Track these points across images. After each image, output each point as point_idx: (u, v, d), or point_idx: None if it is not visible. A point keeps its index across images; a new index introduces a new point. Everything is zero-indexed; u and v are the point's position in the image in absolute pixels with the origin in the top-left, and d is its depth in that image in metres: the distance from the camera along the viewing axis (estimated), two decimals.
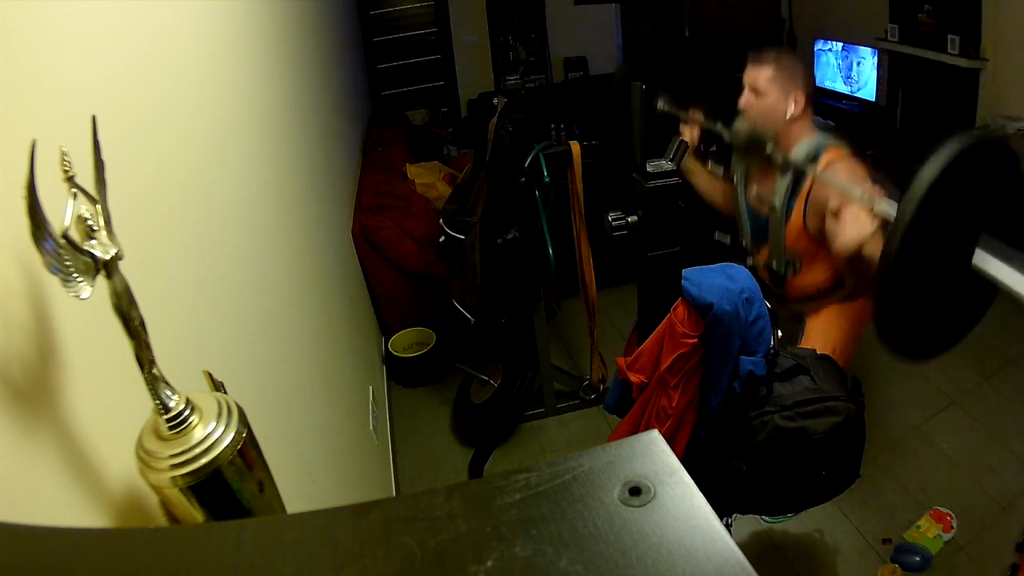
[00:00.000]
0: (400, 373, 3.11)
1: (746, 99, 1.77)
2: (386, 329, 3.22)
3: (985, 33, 3.80)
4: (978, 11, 3.79)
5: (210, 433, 0.52)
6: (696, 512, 0.32)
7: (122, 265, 0.49)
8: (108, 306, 0.49)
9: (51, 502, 0.51)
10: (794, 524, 2.20)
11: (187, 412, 0.52)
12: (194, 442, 0.51)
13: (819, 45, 5.02)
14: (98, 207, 0.48)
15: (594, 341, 2.70)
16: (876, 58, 4.56)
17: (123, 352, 0.50)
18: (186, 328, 0.87)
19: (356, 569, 0.32)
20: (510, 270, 2.50)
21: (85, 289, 0.46)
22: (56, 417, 0.53)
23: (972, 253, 1.07)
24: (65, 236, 0.45)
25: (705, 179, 1.99)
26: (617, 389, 1.72)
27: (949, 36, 3.95)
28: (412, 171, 3.78)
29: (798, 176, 1.65)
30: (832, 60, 4.95)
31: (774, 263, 1.69)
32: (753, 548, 2.18)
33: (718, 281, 1.46)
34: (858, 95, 4.76)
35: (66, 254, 0.45)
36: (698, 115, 1.82)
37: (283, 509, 0.62)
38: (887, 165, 4.57)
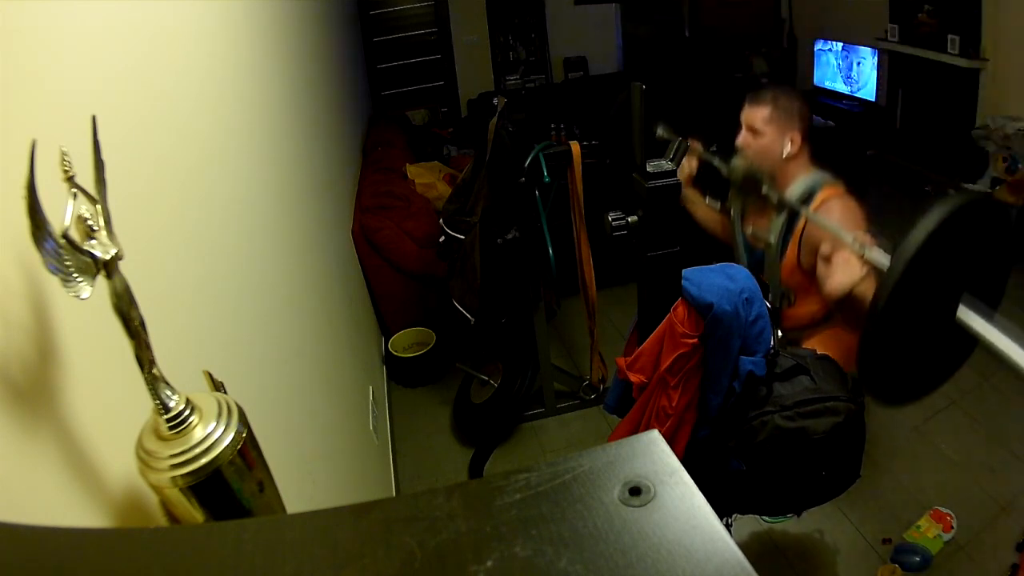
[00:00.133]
0: (400, 373, 3.11)
1: (743, 138, 1.78)
2: (386, 329, 3.22)
3: (985, 33, 3.80)
4: (978, 11, 3.79)
5: (210, 433, 0.52)
6: (696, 512, 0.32)
7: (122, 265, 0.49)
8: (108, 306, 0.49)
9: (51, 502, 0.51)
10: (794, 524, 2.20)
11: (187, 412, 0.52)
12: (194, 442, 0.51)
13: (819, 45, 5.02)
14: (98, 207, 0.48)
15: (594, 341, 2.70)
16: (876, 58, 4.56)
17: (123, 352, 0.50)
18: (186, 328, 0.87)
19: (356, 569, 0.32)
20: (510, 270, 2.50)
21: (85, 289, 0.46)
22: (56, 417, 0.53)
23: (956, 306, 1.10)
24: (65, 236, 0.44)
25: (703, 210, 2.00)
26: (617, 389, 1.73)
27: (949, 36, 3.95)
28: (412, 171, 3.78)
29: (792, 215, 1.66)
30: (832, 60, 4.95)
31: (769, 296, 1.72)
32: (753, 548, 2.18)
33: (718, 281, 1.46)
34: (858, 95, 4.76)
35: (66, 254, 0.45)
36: (697, 145, 1.83)
37: (283, 509, 0.62)
38: (887, 165, 4.58)
